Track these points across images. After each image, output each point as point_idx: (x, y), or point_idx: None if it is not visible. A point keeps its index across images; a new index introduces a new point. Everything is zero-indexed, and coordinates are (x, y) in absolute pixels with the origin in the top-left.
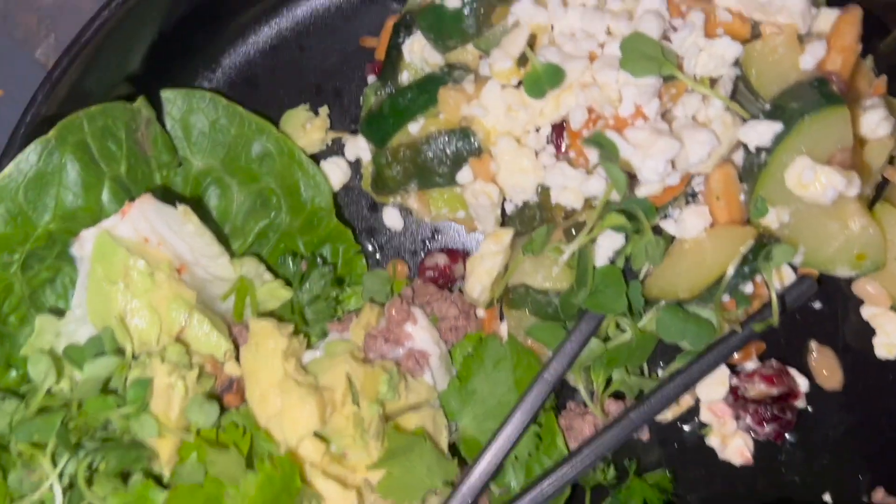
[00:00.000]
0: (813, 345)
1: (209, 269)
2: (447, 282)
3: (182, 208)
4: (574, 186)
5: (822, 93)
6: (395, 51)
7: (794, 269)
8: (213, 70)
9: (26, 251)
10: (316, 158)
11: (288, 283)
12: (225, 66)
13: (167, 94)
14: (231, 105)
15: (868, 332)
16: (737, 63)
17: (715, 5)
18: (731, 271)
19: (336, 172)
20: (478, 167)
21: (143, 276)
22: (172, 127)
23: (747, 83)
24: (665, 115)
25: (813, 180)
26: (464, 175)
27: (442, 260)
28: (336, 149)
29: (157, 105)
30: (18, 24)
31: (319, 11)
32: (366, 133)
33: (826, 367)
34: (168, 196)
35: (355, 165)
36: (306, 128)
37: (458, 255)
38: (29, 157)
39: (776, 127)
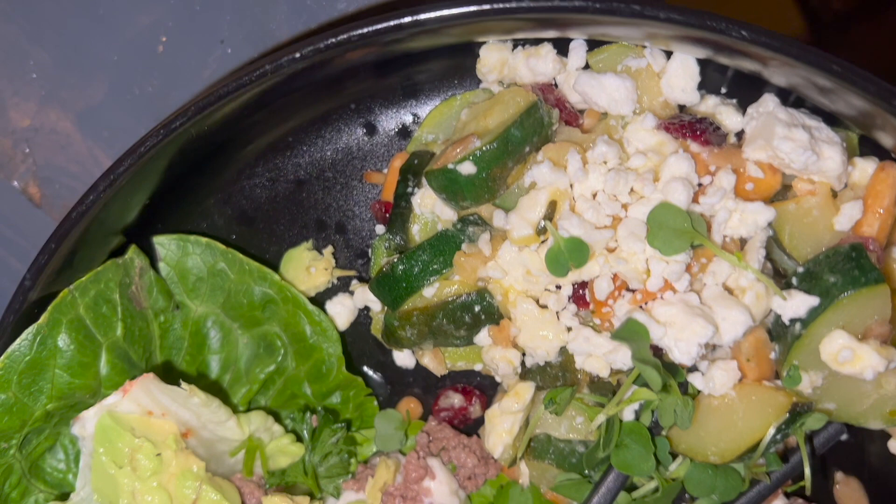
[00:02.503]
0: (838, 475)
1: (216, 431)
2: (463, 422)
3: (187, 387)
4: (600, 355)
5: (859, 267)
6: (403, 202)
7: None
8: (206, 209)
9: (24, 433)
10: (322, 297)
11: (298, 436)
12: (220, 204)
13: (160, 240)
14: (229, 251)
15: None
16: (769, 224)
17: (744, 160)
18: (765, 442)
19: (343, 313)
20: (497, 334)
21: (150, 458)
22: (168, 273)
23: (779, 243)
24: (694, 282)
25: (851, 359)
26: (482, 338)
27: (457, 400)
28: (342, 285)
29: (148, 251)
30: None
31: (317, 144)
32: (376, 294)
33: (852, 498)
34: (170, 372)
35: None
36: (310, 271)
37: (474, 394)
38: (21, 347)
39: (811, 301)
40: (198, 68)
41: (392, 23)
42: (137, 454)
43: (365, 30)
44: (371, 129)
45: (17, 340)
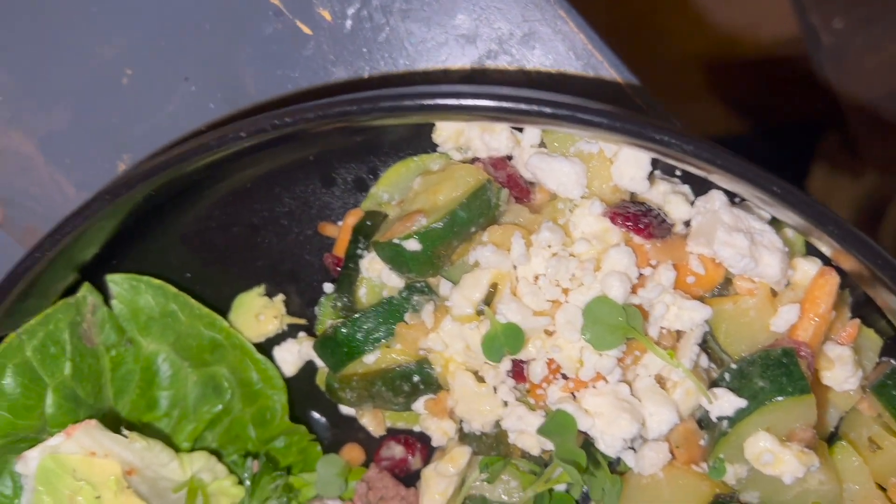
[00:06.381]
0: None
1: (159, 471)
2: (404, 472)
3: (129, 433)
4: (532, 433)
5: (788, 374)
6: (352, 263)
7: None
8: (162, 249)
9: None
10: (271, 341)
11: (240, 479)
12: (176, 245)
13: (114, 279)
14: (180, 294)
15: None
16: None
17: (687, 254)
18: None
19: (291, 360)
20: (433, 407)
21: (90, 501)
22: (120, 311)
23: (714, 339)
24: (627, 371)
25: (772, 462)
26: (420, 406)
27: (399, 451)
28: (292, 331)
29: (101, 288)
30: None
31: (274, 192)
32: (319, 354)
33: None
34: (115, 420)
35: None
36: (259, 318)
37: (416, 446)
38: None
39: (739, 403)
40: (162, 103)
41: (350, 107)
42: (77, 496)
43: (316, 113)
44: (328, 181)
45: None
